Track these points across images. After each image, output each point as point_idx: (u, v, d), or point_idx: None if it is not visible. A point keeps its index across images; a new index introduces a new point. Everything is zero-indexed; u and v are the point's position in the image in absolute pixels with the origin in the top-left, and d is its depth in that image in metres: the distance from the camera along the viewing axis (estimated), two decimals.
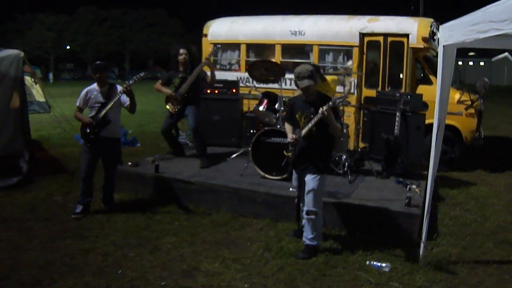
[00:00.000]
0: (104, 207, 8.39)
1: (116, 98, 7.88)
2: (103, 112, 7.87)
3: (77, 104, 8.14)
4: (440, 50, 5.73)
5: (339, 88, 9.68)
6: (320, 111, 6.07)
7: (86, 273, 5.95)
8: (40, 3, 71.06)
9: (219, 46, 10.23)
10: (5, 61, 10.28)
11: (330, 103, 6.09)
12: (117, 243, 6.89)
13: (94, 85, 8.09)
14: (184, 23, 73.48)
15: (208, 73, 9.88)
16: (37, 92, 22.44)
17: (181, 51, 9.86)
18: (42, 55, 66.49)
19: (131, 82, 7.79)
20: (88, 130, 7.98)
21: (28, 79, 14.52)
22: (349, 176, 8.68)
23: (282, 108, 8.79)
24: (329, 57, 12.17)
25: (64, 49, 72.00)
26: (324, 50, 12.14)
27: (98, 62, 8.30)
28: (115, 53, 73.81)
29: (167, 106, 9.85)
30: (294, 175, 6.86)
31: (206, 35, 13.70)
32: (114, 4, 72.94)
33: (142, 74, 8.06)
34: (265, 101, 9.28)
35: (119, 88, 8.06)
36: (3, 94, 10.16)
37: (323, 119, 6.12)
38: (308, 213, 6.35)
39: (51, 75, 63.97)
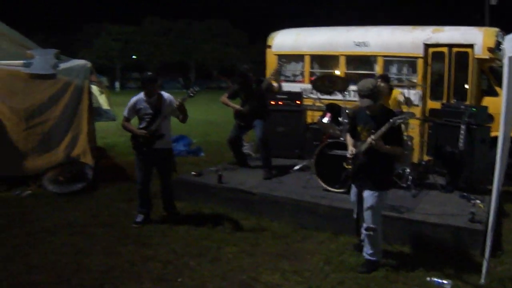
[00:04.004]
0: (166, 215, 8.55)
1: (168, 111, 7.96)
2: (155, 125, 7.91)
3: (126, 114, 8.20)
4: (505, 61, 5.63)
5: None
6: (368, 140, 6.10)
7: (146, 280, 6.12)
8: (107, 14, 72.67)
9: (285, 60, 10.23)
10: (73, 71, 10.75)
11: (383, 128, 6.06)
12: (178, 251, 7.03)
13: (142, 96, 8.08)
14: (247, 34, 73.43)
15: (275, 84, 9.99)
16: (103, 101, 22.98)
17: (247, 67, 10.05)
18: (108, 65, 67.74)
19: (184, 98, 7.88)
20: (140, 142, 8.05)
21: (95, 88, 14.89)
22: (413, 190, 8.59)
23: (345, 121, 8.77)
24: (394, 68, 12.06)
25: (130, 59, 73.21)
26: (388, 61, 12.04)
27: (147, 73, 8.32)
28: (180, 63, 74.50)
29: (237, 120, 10.03)
30: (353, 190, 6.78)
31: (270, 46, 13.79)
32: (179, 15, 73.78)
33: (196, 89, 8.08)
34: (329, 113, 9.27)
35: (168, 97, 8.11)
36: (71, 102, 10.61)
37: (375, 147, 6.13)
38: (367, 229, 6.33)
39: (117, 84, 65.27)
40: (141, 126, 8.09)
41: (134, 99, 8.14)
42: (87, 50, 62.21)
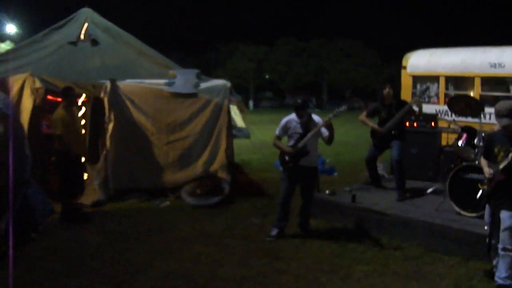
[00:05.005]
0: (300, 231, 8.82)
1: (316, 130, 8.29)
2: (303, 142, 8.29)
3: (277, 133, 8.66)
4: None
5: None
6: (509, 156, 6.08)
7: None
8: (241, 35, 74.75)
9: (428, 88, 10.18)
10: (214, 90, 11.45)
11: None
12: (310, 267, 7.26)
13: (294, 116, 8.53)
14: (380, 54, 71.96)
15: (415, 107, 10.01)
16: (239, 119, 23.68)
17: (387, 88, 10.04)
18: (242, 84, 69.07)
19: (331, 116, 8.16)
20: (287, 159, 8.45)
21: (233, 107, 15.48)
22: None
23: (481, 144, 8.66)
24: None
25: (263, 79, 74.33)
26: None
27: (300, 99, 8.86)
28: (312, 83, 74.63)
29: (372, 139, 10.18)
30: (488, 210, 6.71)
31: (405, 67, 13.76)
32: (312, 36, 73.96)
33: (342, 109, 8.37)
34: (464, 135, 9.18)
35: (317, 118, 8.46)
36: (210, 120, 11.28)
37: None
38: (504, 249, 6.24)
39: (251, 103, 66.72)
40: (289, 144, 8.54)
41: (286, 119, 8.64)
42: (221, 70, 64.04)
